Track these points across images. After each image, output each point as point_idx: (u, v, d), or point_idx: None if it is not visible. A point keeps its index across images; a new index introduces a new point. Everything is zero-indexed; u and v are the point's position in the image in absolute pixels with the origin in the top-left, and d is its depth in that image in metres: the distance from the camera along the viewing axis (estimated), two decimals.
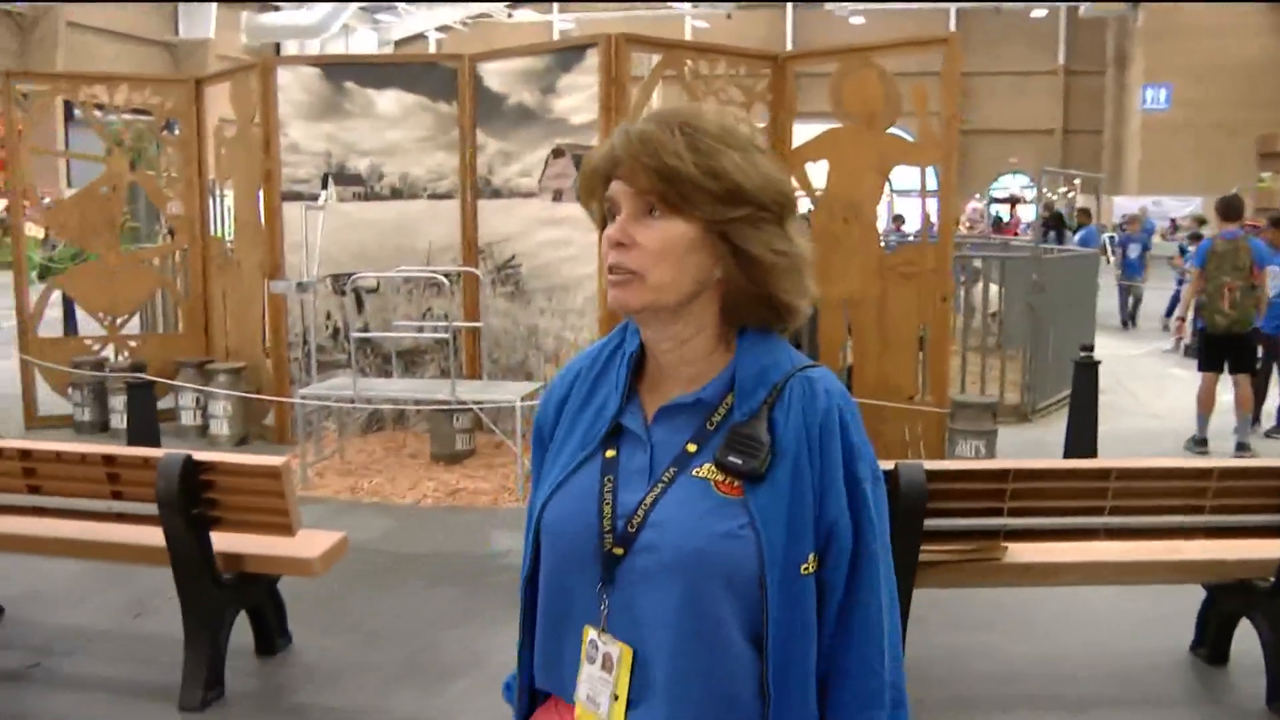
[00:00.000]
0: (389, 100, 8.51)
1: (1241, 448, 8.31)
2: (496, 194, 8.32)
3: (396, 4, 38.69)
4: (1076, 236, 16.93)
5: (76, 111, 9.47)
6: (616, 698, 1.39)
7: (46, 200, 10.59)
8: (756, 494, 1.34)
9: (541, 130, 7.95)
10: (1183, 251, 15.15)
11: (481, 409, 7.59)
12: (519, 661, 1.56)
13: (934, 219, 7.37)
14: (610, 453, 1.45)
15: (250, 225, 8.81)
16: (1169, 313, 14.77)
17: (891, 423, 7.34)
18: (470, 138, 8.41)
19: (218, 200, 9.78)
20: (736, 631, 1.35)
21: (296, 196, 8.31)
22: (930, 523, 3.89)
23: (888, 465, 3.89)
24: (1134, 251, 16.51)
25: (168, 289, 10.36)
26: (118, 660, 4.70)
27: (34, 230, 15.06)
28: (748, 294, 1.40)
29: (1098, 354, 7.75)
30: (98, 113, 9.33)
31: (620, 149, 1.38)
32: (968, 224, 29.29)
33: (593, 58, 7.54)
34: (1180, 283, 10.32)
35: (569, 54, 7.85)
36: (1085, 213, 18.54)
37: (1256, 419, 9.06)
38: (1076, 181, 30.18)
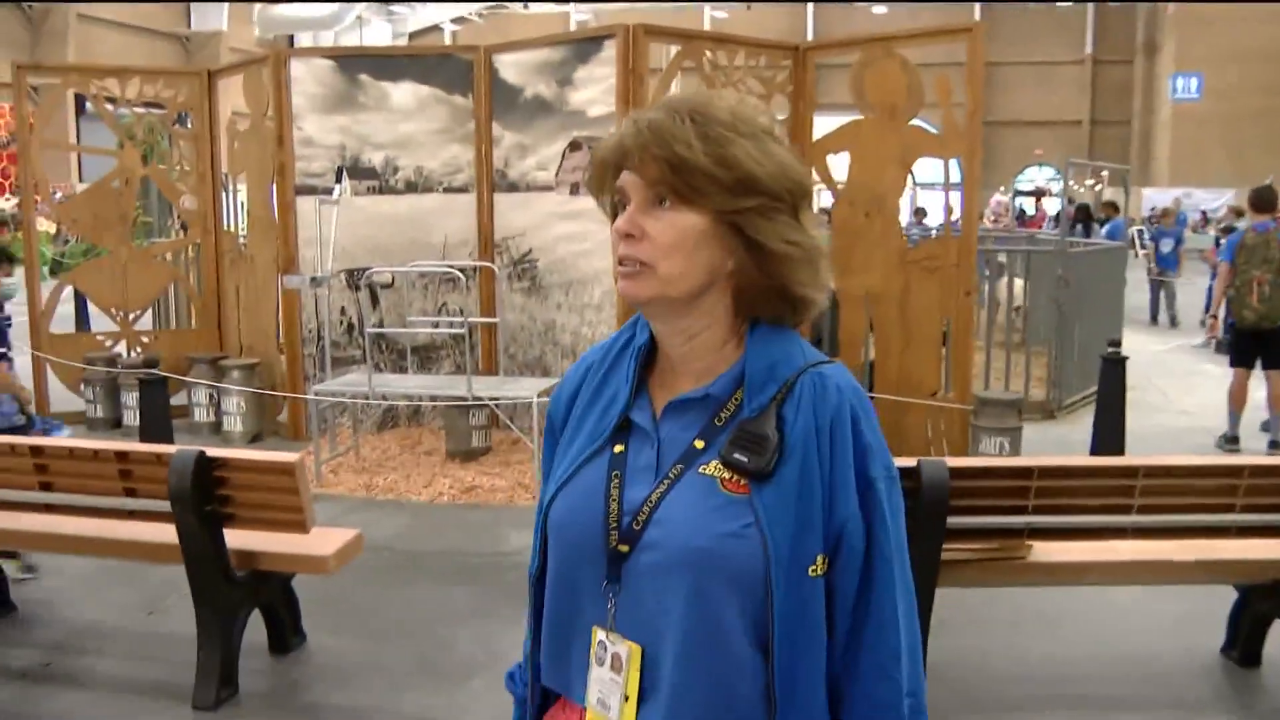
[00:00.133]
0: (404, 93, 8.53)
1: (1275, 445, 8.27)
2: (513, 188, 8.33)
3: None
4: (1103, 230, 16.76)
5: (88, 105, 9.50)
6: (627, 698, 1.39)
7: (58, 195, 10.66)
8: (762, 493, 1.33)
9: (558, 123, 7.95)
10: (1217, 244, 14.99)
11: (498, 405, 7.60)
12: (529, 661, 1.56)
13: (957, 212, 7.35)
14: (619, 448, 1.45)
15: (263, 220, 8.84)
16: (1208, 308, 14.61)
17: (914, 419, 7.33)
18: (486, 130, 8.43)
19: (230, 194, 9.83)
20: (742, 633, 1.34)
21: (310, 190, 8.34)
22: (953, 521, 3.88)
23: (909, 462, 3.89)
24: (1167, 246, 16.19)
25: (180, 284, 10.41)
26: (130, 659, 4.73)
27: (45, 225, 15.16)
28: (760, 286, 1.39)
29: (1125, 349, 7.71)
30: (109, 106, 9.38)
31: (629, 139, 1.38)
32: (992, 217, 29.16)
33: (610, 49, 7.54)
34: (1214, 277, 10.22)
35: (586, 45, 7.86)
36: (1112, 206, 18.38)
37: None
38: (1104, 174, 30.03)
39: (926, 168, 7.49)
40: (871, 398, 7.25)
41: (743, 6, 38.10)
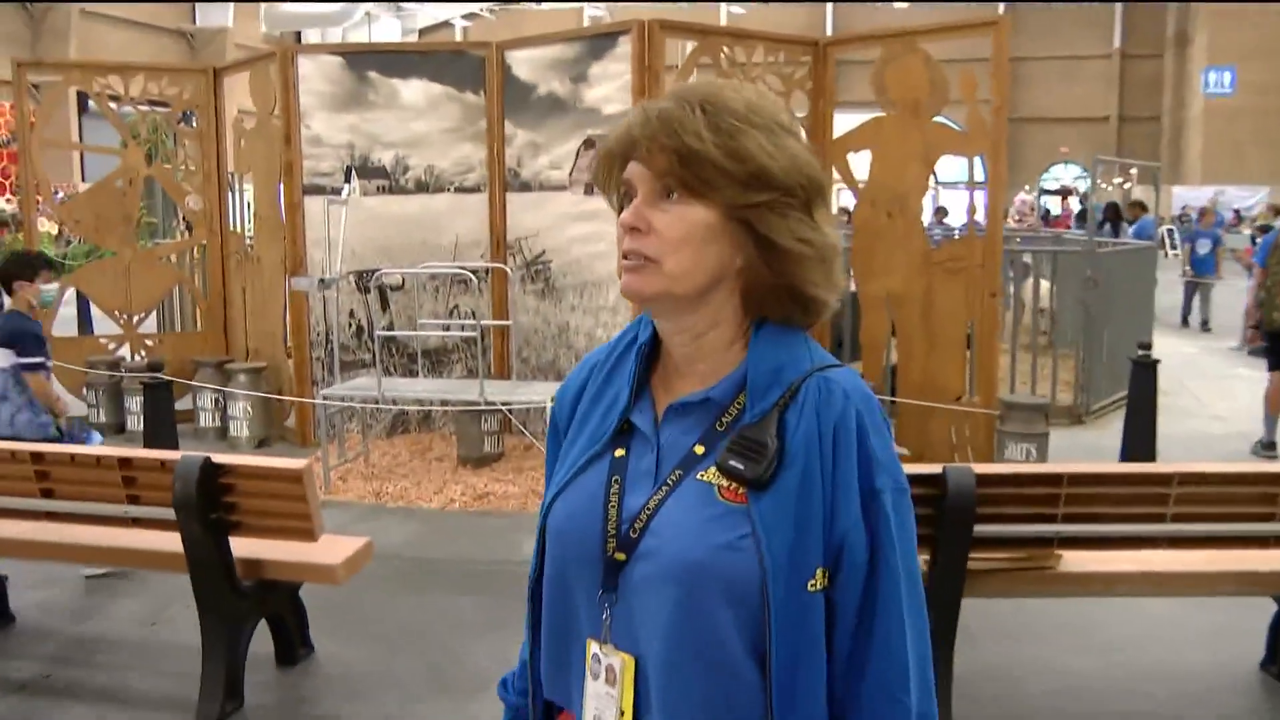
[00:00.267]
0: (414, 90, 8.54)
1: None
2: (526, 187, 8.34)
3: None
4: (1131, 230, 16.66)
5: (90, 103, 9.54)
6: (623, 713, 1.37)
7: (60, 195, 10.69)
8: (760, 502, 1.30)
9: (572, 121, 7.95)
10: (1253, 243, 14.86)
11: (510, 410, 7.60)
12: (530, 671, 1.53)
13: (981, 211, 7.33)
14: (619, 452, 1.43)
15: (271, 220, 8.86)
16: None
17: (938, 424, 7.30)
18: (498, 129, 8.43)
19: (237, 194, 9.85)
20: (739, 648, 1.31)
21: (318, 190, 8.35)
22: (980, 529, 3.85)
23: (934, 469, 3.87)
24: (1204, 247, 15.88)
25: (185, 286, 10.45)
26: (132, 671, 4.73)
27: (47, 226, 15.22)
28: (770, 285, 1.37)
29: (1156, 352, 7.66)
30: (112, 104, 9.41)
31: (637, 129, 1.35)
32: (1016, 217, 29.10)
33: (625, 45, 7.54)
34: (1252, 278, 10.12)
35: (600, 41, 7.85)
36: (1139, 205, 18.30)
37: None
38: (1132, 171, 29.92)
39: (948, 166, 7.48)
40: (894, 402, 7.29)
41: (759, 2, 38.07)
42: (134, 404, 8.89)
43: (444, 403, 8.07)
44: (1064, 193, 39.04)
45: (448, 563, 6.08)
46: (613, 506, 1.39)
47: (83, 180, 22.64)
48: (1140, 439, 7.25)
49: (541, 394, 7.25)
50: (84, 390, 9.27)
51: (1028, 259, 11.29)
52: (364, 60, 8.63)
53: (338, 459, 7.83)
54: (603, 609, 1.38)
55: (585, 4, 38.77)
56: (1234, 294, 15.70)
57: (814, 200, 1.38)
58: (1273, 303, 8.08)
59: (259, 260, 9.07)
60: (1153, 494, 3.85)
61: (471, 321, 8.11)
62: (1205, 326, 15.65)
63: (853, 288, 7.87)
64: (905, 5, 38.09)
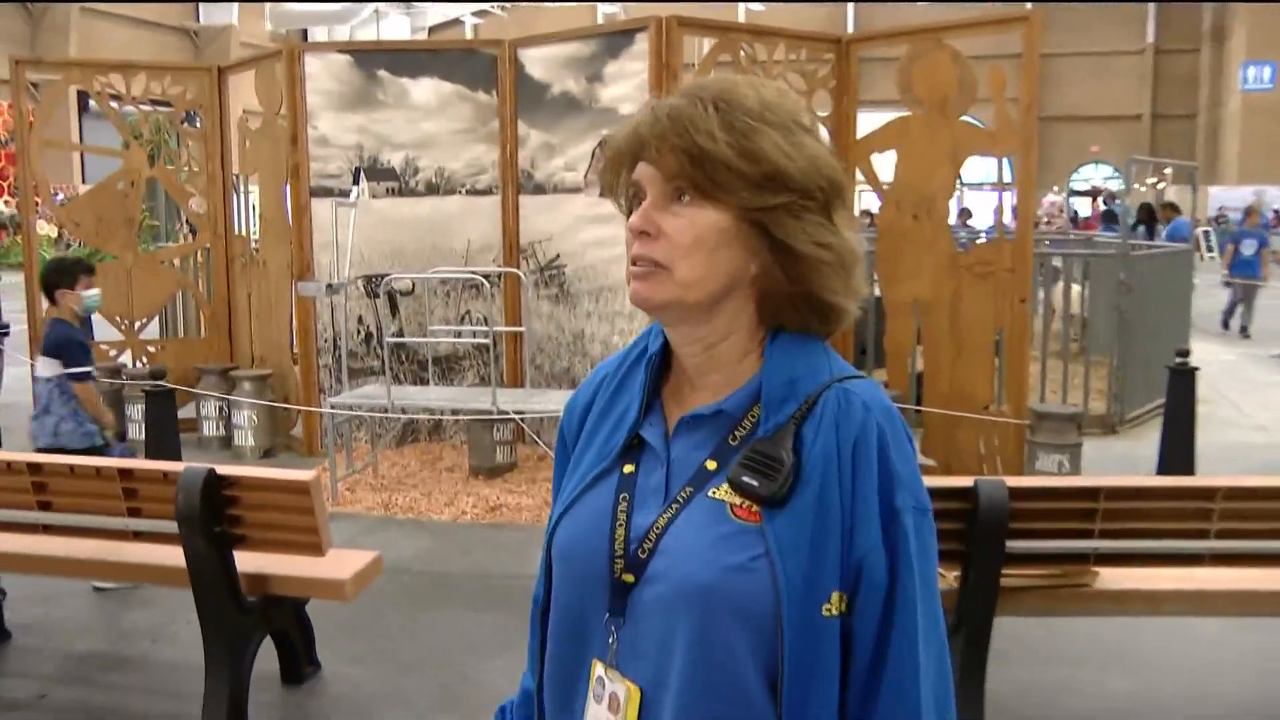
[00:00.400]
0: (424, 89, 8.54)
1: None
2: (539, 189, 8.32)
3: None
4: (1164, 232, 16.55)
5: (91, 102, 9.56)
6: None
7: (59, 197, 10.73)
8: (775, 521, 1.27)
9: (588, 121, 7.94)
10: None
11: (524, 419, 7.58)
12: (535, 700, 1.51)
13: (1009, 213, 7.29)
14: (628, 468, 1.40)
15: (277, 223, 8.87)
16: None
17: (965, 434, 7.26)
18: (511, 129, 8.42)
19: (241, 196, 9.87)
20: (752, 675, 1.28)
21: (326, 192, 8.36)
22: (1013, 545, 3.82)
23: (965, 482, 3.84)
24: (1249, 248, 15.61)
25: (189, 291, 10.46)
26: (132, 690, 4.72)
27: (46, 229, 15.29)
28: (787, 292, 1.34)
29: (1194, 359, 7.60)
30: (114, 103, 9.43)
31: (646, 128, 1.32)
32: (1045, 219, 29.03)
33: (642, 43, 7.53)
34: None
35: (616, 39, 7.84)
36: (1172, 207, 18.21)
37: None
38: (1167, 171, 29.80)
39: (972, 166, 7.43)
40: (920, 411, 7.24)
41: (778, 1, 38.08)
42: (135, 412, 8.89)
43: (455, 412, 8.05)
44: (1094, 194, 38.91)
45: (459, 577, 6.06)
46: (620, 526, 1.36)
47: (83, 182, 22.75)
48: (1178, 450, 7.19)
49: (556, 403, 7.24)
50: None
51: (1058, 263, 11.24)
52: (372, 59, 8.63)
53: (345, 469, 7.82)
54: (609, 632, 1.35)
55: (599, 1, 38.82)
56: (1275, 298, 15.58)
57: (833, 203, 1.34)
58: None
59: (264, 264, 9.07)
60: (1196, 509, 3.80)
61: (484, 328, 8.10)
62: (1244, 333, 15.47)
63: (876, 292, 7.85)
64: (927, 3, 38.01)
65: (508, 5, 40.73)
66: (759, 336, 1.37)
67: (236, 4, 34.44)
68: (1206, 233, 23.57)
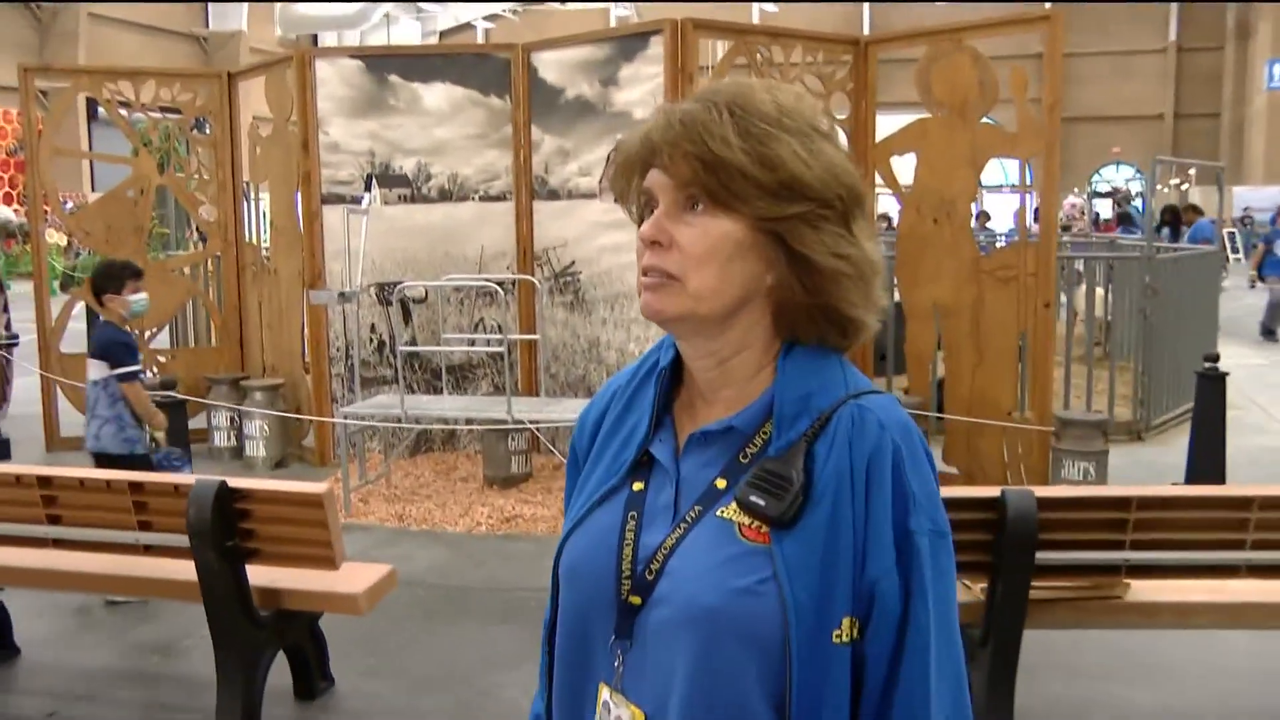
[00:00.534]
0: (437, 94, 8.54)
1: None
2: (554, 195, 8.31)
3: None
4: (1186, 234, 16.46)
5: (100, 110, 9.59)
6: None
7: (69, 205, 10.75)
8: (783, 543, 1.23)
9: (602, 125, 7.92)
10: None
11: (539, 428, 7.56)
12: None
13: (1030, 216, 7.25)
14: (638, 485, 1.37)
15: (288, 231, 8.87)
16: None
17: (988, 442, 7.22)
18: (525, 134, 8.41)
19: (252, 204, 9.88)
20: (759, 702, 1.24)
21: (338, 199, 8.35)
22: (1042, 556, 3.78)
23: (992, 492, 3.80)
24: None
25: (199, 299, 10.47)
26: (143, 706, 4.71)
27: (56, 237, 15.34)
28: (804, 305, 1.30)
29: (1223, 364, 7.54)
30: (123, 110, 9.44)
31: (658, 133, 1.29)
32: (1065, 221, 28.92)
33: (657, 46, 7.51)
34: None
35: (631, 42, 7.83)
36: (1194, 209, 18.11)
37: None
38: (1191, 172, 29.68)
39: (990, 168, 7.39)
40: (941, 418, 7.19)
41: (793, 0, 38.04)
42: None
43: (469, 421, 8.04)
44: (1115, 195, 38.76)
45: (475, 590, 6.03)
46: (628, 545, 1.33)
47: (93, 189, 22.84)
48: (1208, 457, 7.13)
49: (571, 411, 7.21)
50: None
51: (1080, 266, 11.18)
52: (384, 63, 8.63)
53: (358, 480, 7.81)
54: (615, 655, 1.33)
55: (612, 4, 38.87)
56: None
57: (852, 212, 1.31)
58: None
59: (276, 272, 9.08)
60: (1231, 519, 3.76)
61: (498, 336, 8.08)
62: (1271, 335, 15.35)
63: (896, 298, 7.81)
64: (944, 2, 37.94)
65: (520, 9, 40.82)
66: (774, 350, 1.34)
67: (246, 10, 34.57)
68: (1232, 234, 23.45)
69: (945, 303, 7.37)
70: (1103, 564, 3.92)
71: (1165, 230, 17.99)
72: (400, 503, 7.54)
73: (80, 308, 10.07)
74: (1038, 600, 3.88)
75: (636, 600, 1.30)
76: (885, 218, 18.70)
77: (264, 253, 9.57)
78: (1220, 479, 6.95)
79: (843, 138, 7.57)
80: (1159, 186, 25.35)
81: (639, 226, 1.34)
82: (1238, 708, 4.58)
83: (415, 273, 8.42)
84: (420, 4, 40.21)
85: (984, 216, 22.52)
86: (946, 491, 4.44)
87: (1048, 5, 36.79)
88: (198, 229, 10.41)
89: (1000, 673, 3.88)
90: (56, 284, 14.14)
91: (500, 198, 8.57)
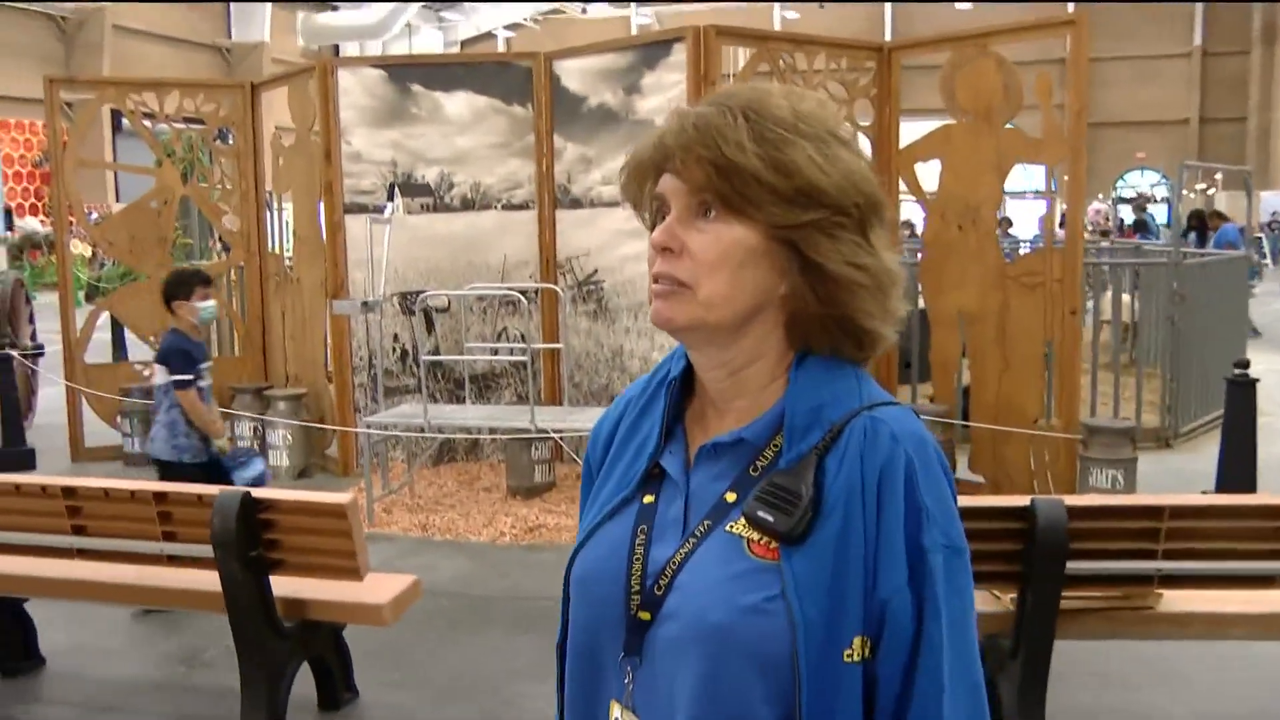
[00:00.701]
0: (459, 103, 8.54)
1: None
2: (576, 204, 8.30)
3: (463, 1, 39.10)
4: (1212, 239, 16.36)
5: (124, 121, 9.65)
6: None
7: (93, 215, 10.80)
8: (793, 560, 1.21)
9: (625, 133, 7.91)
10: None
11: (562, 437, 7.55)
12: None
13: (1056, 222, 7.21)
14: (648, 498, 1.34)
15: (311, 240, 8.89)
16: None
17: (1014, 450, 7.17)
18: (547, 143, 8.41)
19: (275, 214, 9.91)
20: None
21: (360, 209, 8.36)
22: (1072, 565, 3.74)
23: (1022, 501, 3.77)
24: None
25: (222, 309, 10.50)
26: (168, 716, 4.72)
27: (81, 248, 15.43)
28: (817, 315, 1.28)
29: (1253, 370, 7.47)
30: (147, 122, 9.49)
31: (671, 137, 1.27)
32: (1090, 227, 28.78)
33: (679, 53, 7.50)
34: None
35: (653, 49, 7.81)
36: (1218, 215, 17.98)
37: None
38: (1217, 177, 29.49)
39: (1013, 174, 7.34)
40: (966, 426, 7.14)
41: (815, 5, 38.04)
42: None
43: (492, 430, 8.03)
44: (1140, 201, 38.55)
45: (499, 600, 6.02)
46: (638, 559, 1.31)
47: (117, 200, 22.98)
48: (1238, 465, 7.06)
49: (594, 420, 7.16)
50: (118, 419, 9.32)
51: (1107, 271, 11.12)
52: (406, 73, 8.64)
53: (382, 490, 7.81)
54: (624, 672, 1.31)
55: (632, 8, 38.90)
56: None
57: (870, 220, 1.28)
58: None
59: (299, 282, 9.09)
60: (1266, 528, 3.72)
61: (521, 345, 8.08)
62: None
63: (921, 305, 7.77)
64: (969, 6, 37.88)
65: (540, 17, 40.92)
66: (787, 361, 1.31)
67: (268, 21, 34.76)
68: (1259, 239, 23.25)
69: (970, 309, 7.33)
70: (1134, 574, 3.88)
71: (1192, 235, 17.89)
72: (424, 512, 7.53)
73: (105, 318, 10.13)
74: (1068, 610, 3.85)
75: (646, 616, 1.28)
76: (909, 224, 18.61)
77: (287, 262, 9.60)
78: (1251, 487, 6.88)
79: (866, 144, 7.57)
80: (1185, 192, 25.21)
81: (651, 232, 1.32)
82: (1274, 718, 4.53)
83: (438, 282, 8.42)
84: (441, 13, 40.38)
85: (1006, 223, 22.40)
86: (974, 500, 4.41)
87: (1071, 9, 36.68)
88: (221, 239, 10.44)
89: (1030, 683, 3.85)
90: (81, 295, 14.21)
91: (523, 206, 8.57)
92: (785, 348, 1.31)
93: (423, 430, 7.65)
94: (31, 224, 23.56)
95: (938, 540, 1.23)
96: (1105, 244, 14.91)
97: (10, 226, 18.65)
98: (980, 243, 7.28)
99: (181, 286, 6.01)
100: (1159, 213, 32.20)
